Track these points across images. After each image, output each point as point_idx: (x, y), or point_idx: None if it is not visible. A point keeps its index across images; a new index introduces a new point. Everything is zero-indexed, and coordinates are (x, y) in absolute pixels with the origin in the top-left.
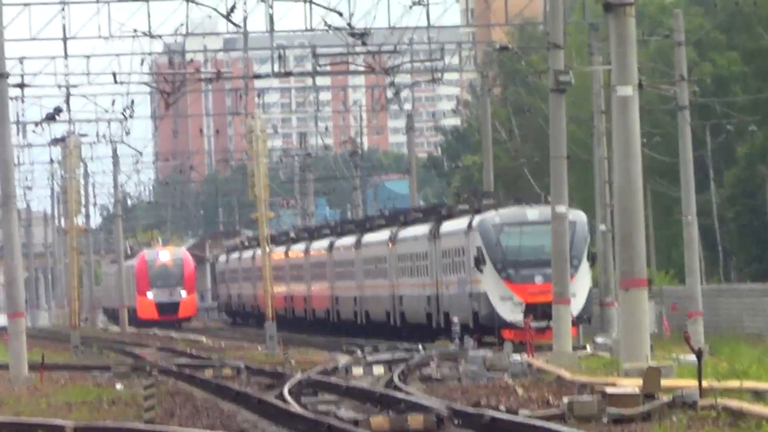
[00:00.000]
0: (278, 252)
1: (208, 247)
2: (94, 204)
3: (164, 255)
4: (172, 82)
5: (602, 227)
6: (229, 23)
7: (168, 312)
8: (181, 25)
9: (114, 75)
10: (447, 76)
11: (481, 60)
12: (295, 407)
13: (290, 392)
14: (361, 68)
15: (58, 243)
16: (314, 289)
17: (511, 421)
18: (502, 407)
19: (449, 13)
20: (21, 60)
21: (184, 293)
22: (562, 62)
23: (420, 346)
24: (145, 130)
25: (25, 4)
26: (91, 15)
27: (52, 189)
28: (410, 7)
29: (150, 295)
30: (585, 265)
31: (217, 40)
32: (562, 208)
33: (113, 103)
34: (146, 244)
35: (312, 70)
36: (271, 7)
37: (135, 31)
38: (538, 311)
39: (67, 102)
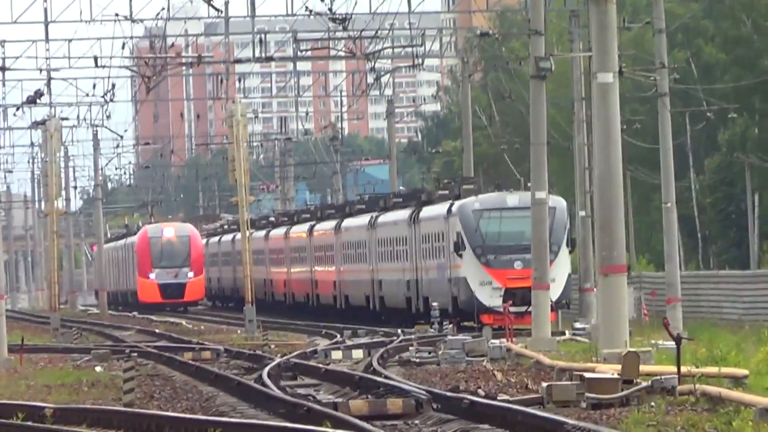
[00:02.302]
0: (258, 236)
1: None
2: (75, 187)
3: (169, 231)
4: (153, 66)
5: (582, 213)
6: (211, 8)
7: (173, 295)
8: (163, 9)
9: (95, 59)
10: (427, 61)
11: (461, 46)
12: (274, 390)
13: (269, 375)
14: (342, 53)
15: (38, 226)
16: (294, 273)
17: (490, 405)
18: (481, 392)
19: None
20: (2, 43)
21: (191, 274)
22: (543, 49)
23: (399, 331)
24: (126, 114)
25: None
26: None
27: (33, 172)
28: None
29: (152, 275)
30: (564, 251)
31: (198, 24)
32: (542, 194)
33: (94, 86)
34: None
35: (293, 55)
36: None
37: (116, 15)
38: (517, 296)
39: (48, 85)
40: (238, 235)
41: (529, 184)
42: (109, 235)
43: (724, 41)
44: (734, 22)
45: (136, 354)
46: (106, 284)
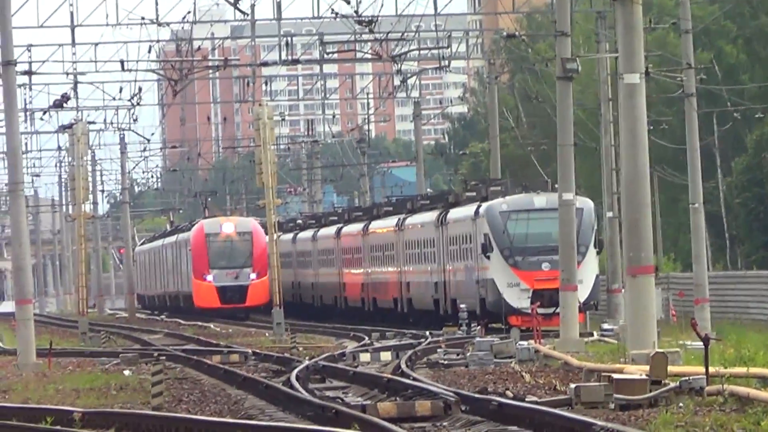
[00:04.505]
0: (285, 239)
1: None
2: (102, 191)
3: (228, 226)
4: (180, 69)
5: (609, 214)
6: (237, 11)
7: (233, 299)
8: (189, 12)
9: (121, 62)
10: (454, 63)
11: (488, 47)
12: (302, 393)
13: (297, 378)
14: (369, 56)
15: (66, 230)
16: (322, 275)
17: (519, 407)
18: (509, 393)
19: (456, 1)
20: (29, 47)
21: (253, 275)
22: (569, 50)
23: (427, 333)
24: (153, 117)
25: None
26: (99, 2)
27: (60, 176)
28: None
29: (210, 277)
30: (592, 252)
31: (225, 27)
32: (569, 195)
33: (120, 90)
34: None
35: (319, 57)
36: None
37: (142, 18)
38: (545, 298)
39: (75, 89)
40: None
41: (556, 186)
42: (136, 239)
43: (759, 36)
44: (760, 22)
45: (164, 357)
46: (139, 287)
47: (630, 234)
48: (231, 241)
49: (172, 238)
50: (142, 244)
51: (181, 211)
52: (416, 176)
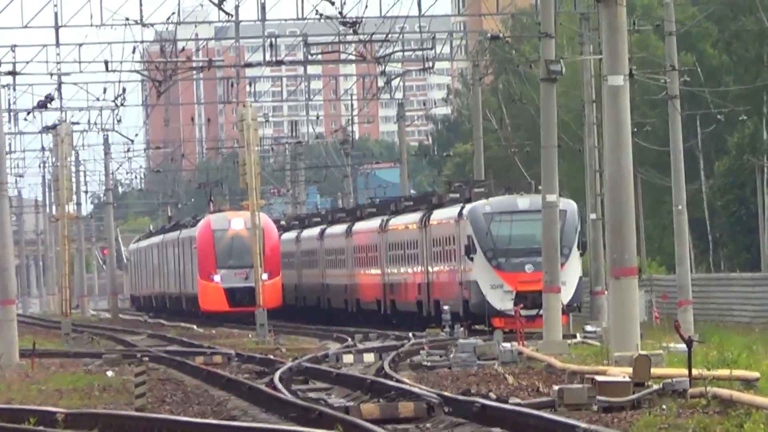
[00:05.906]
0: None
1: None
2: (86, 191)
3: (237, 222)
4: (164, 70)
5: (593, 216)
6: (221, 12)
7: (242, 301)
8: (173, 13)
9: (105, 63)
10: (438, 65)
11: (472, 49)
12: (285, 394)
13: (281, 379)
14: (353, 57)
15: (49, 230)
16: (305, 276)
17: (502, 408)
18: (492, 395)
19: (440, 2)
20: (12, 48)
21: (264, 276)
22: (553, 52)
23: (410, 334)
24: (137, 118)
25: None
26: (83, 3)
27: (44, 177)
28: None
29: (217, 278)
30: (575, 254)
31: (209, 28)
32: (552, 197)
33: (105, 91)
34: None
35: (303, 58)
36: None
37: (127, 19)
38: (529, 300)
39: (59, 90)
40: None
41: (539, 187)
42: (120, 240)
43: (741, 38)
44: (756, 19)
45: (147, 358)
46: (133, 287)
47: (613, 236)
48: (240, 238)
49: (174, 234)
50: (137, 241)
51: (180, 206)
52: (400, 177)
